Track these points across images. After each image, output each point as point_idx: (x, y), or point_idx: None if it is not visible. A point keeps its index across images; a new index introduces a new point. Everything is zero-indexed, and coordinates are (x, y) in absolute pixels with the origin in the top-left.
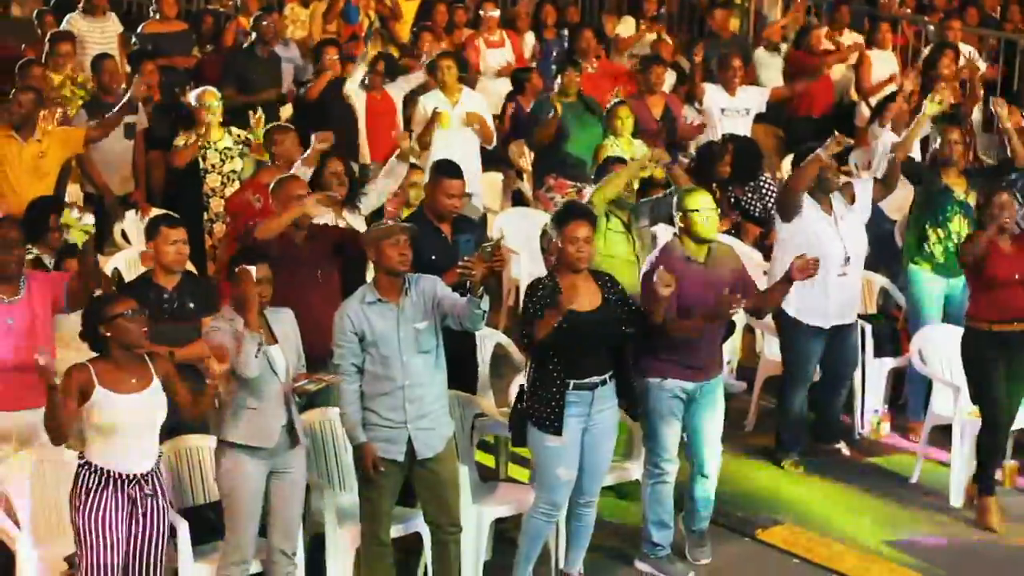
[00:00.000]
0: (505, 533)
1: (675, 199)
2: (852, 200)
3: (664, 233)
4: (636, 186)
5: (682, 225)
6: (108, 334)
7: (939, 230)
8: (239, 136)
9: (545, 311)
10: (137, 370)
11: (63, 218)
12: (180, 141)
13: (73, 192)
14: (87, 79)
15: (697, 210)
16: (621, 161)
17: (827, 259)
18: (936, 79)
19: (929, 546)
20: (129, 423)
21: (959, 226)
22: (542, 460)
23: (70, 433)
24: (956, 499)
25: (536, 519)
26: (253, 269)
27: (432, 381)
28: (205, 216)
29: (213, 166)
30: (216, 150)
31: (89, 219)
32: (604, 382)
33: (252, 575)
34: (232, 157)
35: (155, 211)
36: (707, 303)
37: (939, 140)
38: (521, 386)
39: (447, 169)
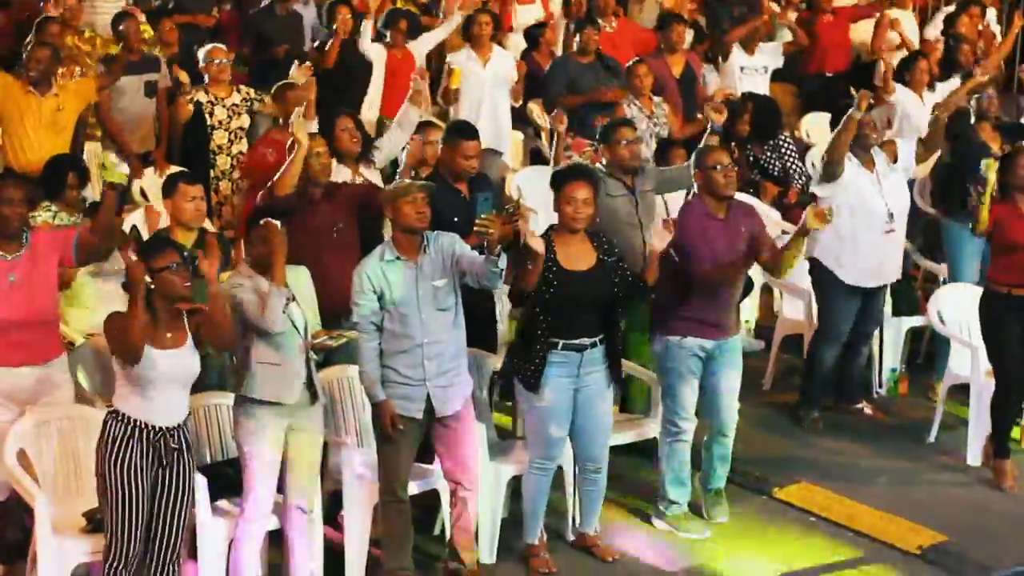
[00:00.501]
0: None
1: (693, 157)
2: (895, 159)
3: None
4: (654, 146)
5: (700, 182)
6: (152, 286)
7: (979, 186)
8: (248, 94)
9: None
10: (173, 326)
11: (103, 160)
12: (184, 98)
13: (93, 150)
14: (94, 36)
15: (714, 167)
16: (628, 123)
17: (871, 216)
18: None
19: (946, 505)
20: (162, 378)
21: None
22: (533, 418)
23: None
24: (973, 458)
25: (533, 474)
26: (279, 223)
27: (451, 339)
28: (212, 173)
29: (220, 122)
30: (224, 107)
31: (124, 168)
32: (594, 344)
33: (270, 531)
34: (240, 114)
35: (171, 168)
36: (727, 259)
37: (974, 97)
38: (513, 342)
39: (463, 130)
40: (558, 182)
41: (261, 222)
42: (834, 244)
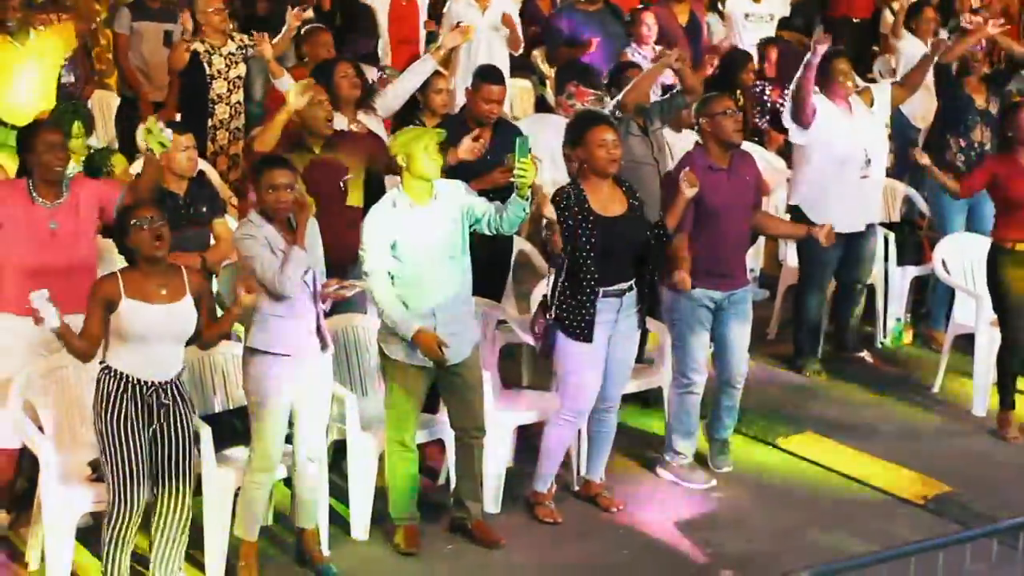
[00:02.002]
0: (528, 441)
1: (697, 106)
2: (871, 104)
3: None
4: (659, 94)
5: (708, 130)
6: (129, 245)
7: (960, 140)
8: (242, 41)
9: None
10: (168, 281)
11: (147, 123)
12: (182, 45)
13: (102, 98)
14: None
15: (724, 112)
16: (635, 66)
17: (848, 162)
18: None
19: (950, 455)
20: (153, 333)
21: (980, 135)
22: (571, 368)
23: (94, 351)
24: (978, 408)
25: (560, 426)
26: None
27: (458, 286)
28: (209, 122)
29: (219, 72)
30: (221, 55)
31: (168, 133)
32: (631, 288)
33: (278, 481)
34: (237, 63)
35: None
36: (730, 210)
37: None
38: (545, 296)
39: (488, 74)
40: (582, 129)
41: (293, 189)
42: (811, 190)
